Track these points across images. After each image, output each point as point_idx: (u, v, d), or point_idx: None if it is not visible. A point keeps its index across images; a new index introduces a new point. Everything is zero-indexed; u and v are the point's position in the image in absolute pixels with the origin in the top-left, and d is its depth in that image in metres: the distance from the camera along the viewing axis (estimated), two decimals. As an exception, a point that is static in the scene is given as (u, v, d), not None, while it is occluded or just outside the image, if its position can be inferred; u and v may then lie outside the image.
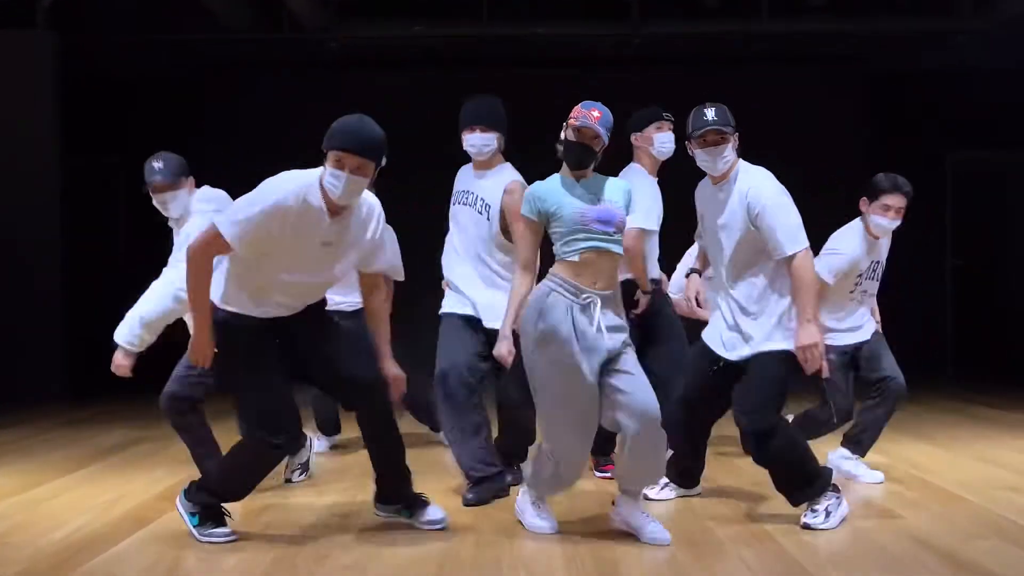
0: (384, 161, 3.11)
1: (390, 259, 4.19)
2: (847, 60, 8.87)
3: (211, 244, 3.05)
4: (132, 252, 8.48)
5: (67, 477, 4.49)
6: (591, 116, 3.23)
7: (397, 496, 3.42)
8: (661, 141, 4.10)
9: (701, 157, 3.49)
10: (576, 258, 3.19)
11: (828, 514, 3.38)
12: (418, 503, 3.42)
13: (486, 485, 3.81)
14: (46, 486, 4.29)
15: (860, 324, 4.25)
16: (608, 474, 4.10)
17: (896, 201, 4.10)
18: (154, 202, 3.78)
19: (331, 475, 4.44)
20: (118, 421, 6.29)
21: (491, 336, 3.65)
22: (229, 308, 3.16)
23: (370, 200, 3.23)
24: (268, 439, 3.15)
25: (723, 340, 3.54)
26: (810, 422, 4.30)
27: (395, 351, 3.39)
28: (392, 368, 3.34)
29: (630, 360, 3.25)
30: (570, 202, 3.22)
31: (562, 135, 3.28)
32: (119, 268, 8.39)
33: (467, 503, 3.76)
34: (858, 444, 4.24)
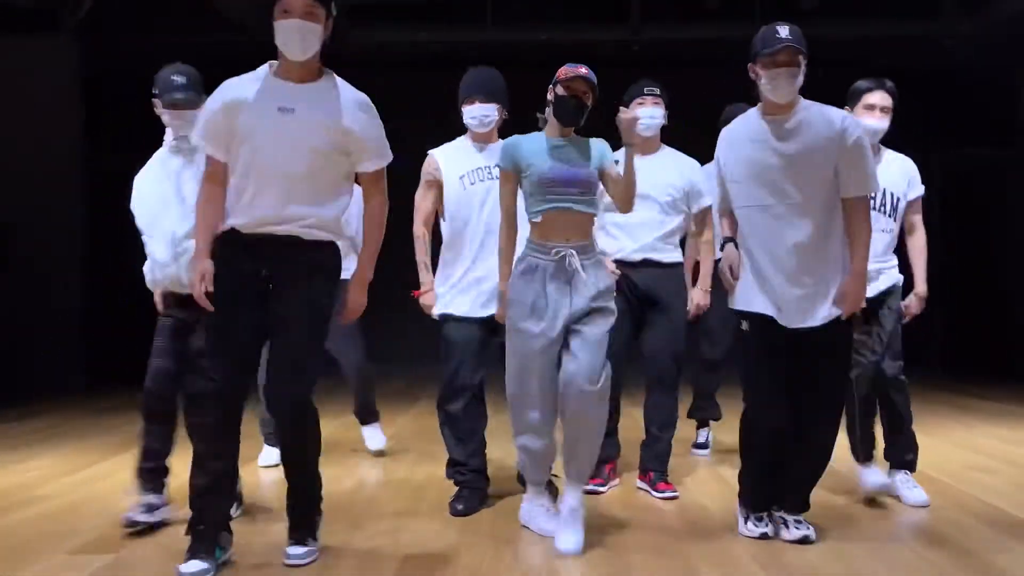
0: (334, 9, 2.91)
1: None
2: (837, 62, 9.21)
3: (210, 173, 2.97)
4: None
5: (110, 460, 4.85)
6: (579, 71, 3.26)
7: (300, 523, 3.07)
8: (642, 116, 3.83)
9: (772, 79, 3.11)
10: (539, 219, 3.22)
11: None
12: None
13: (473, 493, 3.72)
14: (95, 467, 4.66)
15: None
16: (593, 487, 3.89)
17: (880, 99, 3.76)
18: (168, 119, 3.47)
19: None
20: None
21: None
22: (226, 225, 2.95)
23: (356, 92, 3.01)
24: (209, 373, 2.90)
25: (796, 308, 3.13)
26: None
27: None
28: (356, 294, 3.07)
29: (591, 325, 3.17)
30: (541, 161, 3.24)
31: (549, 96, 3.29)
32: (134, 264, 8.72)
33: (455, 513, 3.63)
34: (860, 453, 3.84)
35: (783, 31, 3.10)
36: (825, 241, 3.15)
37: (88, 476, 4.46)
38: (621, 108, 3.39)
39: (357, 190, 3.22)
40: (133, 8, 8.00)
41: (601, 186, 3.36)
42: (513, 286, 3.26)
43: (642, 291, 3.96)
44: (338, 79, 3.00)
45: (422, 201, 3.86)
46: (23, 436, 5.59)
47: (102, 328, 8.28)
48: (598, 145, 3.35)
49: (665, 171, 4.01)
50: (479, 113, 3.78)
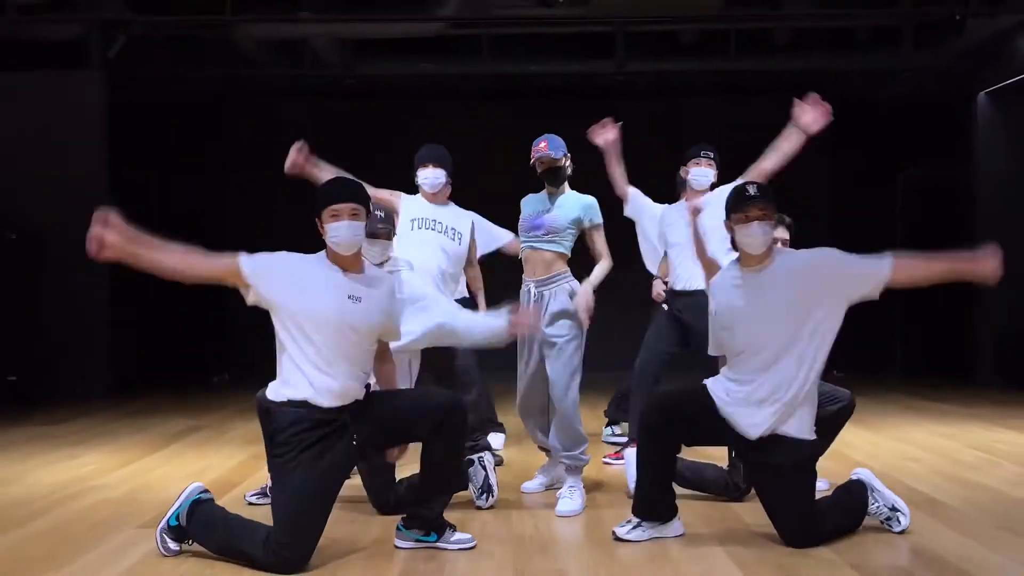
0: (372, 209, 3.45)
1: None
2: (808, 90, 9.90)
3: (224, 261, 3.19)
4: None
5: (153, 456, 5.47)
6: (540, 149, 4.17)
7: (430, 520, 3.43)
8: (696, 175, 4.86)
9: (750, 233, 3.34)
10: (521, 256, 4.26)
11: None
12: (446, 527, 3.47)
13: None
14: (141, 462, 5.29)
15: None
16: (611, 460, 4.94)
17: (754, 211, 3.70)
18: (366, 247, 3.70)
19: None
20: (171, 412, 7.23)
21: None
22: (287, 395, 3.22)
23: (383, 273, 3.54)
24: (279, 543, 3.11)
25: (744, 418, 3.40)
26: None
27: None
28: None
29: (554, 349, 4.07)
30: (524, 212, 4.25)
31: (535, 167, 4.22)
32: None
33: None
34: None
35: (752, 189, 3.42)
36: (804, 377, 3.36)
37: (137, 469, 5.08)
38: (681, 170, 4.79)
39: None
40: (157, 43, 8.67)
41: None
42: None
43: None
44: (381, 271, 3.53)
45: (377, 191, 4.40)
46: (66, 437, 6.16)
47: (127, 335, 8.91)
48: (583, 203, 4.21)
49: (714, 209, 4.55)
50: (431, 176, 4.59)
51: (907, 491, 4.31)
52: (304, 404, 3.21)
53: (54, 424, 6.71)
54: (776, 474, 3.41)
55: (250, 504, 4.12)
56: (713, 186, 4.86)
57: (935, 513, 3.93)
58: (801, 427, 3.42)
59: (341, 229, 3.20)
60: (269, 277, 3.21)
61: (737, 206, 3.40)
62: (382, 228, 4.03)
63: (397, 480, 3.96)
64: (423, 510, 3.43)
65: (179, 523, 3.34)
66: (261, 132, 9.96)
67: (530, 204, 4.28)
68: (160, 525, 3.38)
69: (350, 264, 3.29)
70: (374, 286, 3.32)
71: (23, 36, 8.26)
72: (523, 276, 4.27)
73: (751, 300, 3.39)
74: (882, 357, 9.83)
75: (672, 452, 3.54)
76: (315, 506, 3.18)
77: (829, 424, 3.97)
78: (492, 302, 5.53)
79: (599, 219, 4.23)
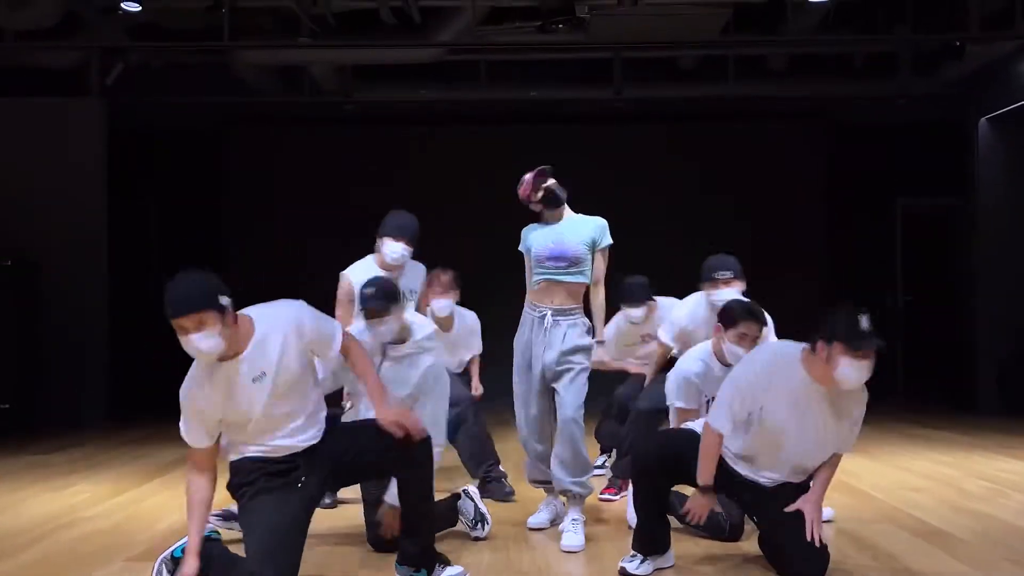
0: (223, 301, 2.98)
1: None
2: (806, 116, 9.94)
3: (195, 451, 3.24)
4: (162, 286, 9.44)
5: (145, 485, 5.42)
6: (523, 193, 4.13)
7: (415, 555, 3.35)
8: (720, 297, 4.31)
9: (858, 368, 3.16)
10: (536, 287, 4.15)
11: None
12: (440, 561, 3.40)
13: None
14: (132, 492, 5.23)
15: None
16: (608, 496, 4.78)
17: (753, 330, 3.91)
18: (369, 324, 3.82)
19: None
20: (165, 442, 7.09)
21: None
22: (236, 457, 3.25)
23: (262, 328, 3.11)
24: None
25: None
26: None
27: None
28: (390, 413, 3.22)
29: (569, 375, 4.00)
30: (538, 243, 4.15)
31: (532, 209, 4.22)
32: (152, 298, 9.33)
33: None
34: None
35: (866, 323, 3.15)
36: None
37: (130, 499, 5.03)
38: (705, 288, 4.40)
39: None
40: (155, 72, 8.68)
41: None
42: (519, 331, 4.15)
43: None
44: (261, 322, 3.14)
45: (345, 317, 4.32)
46: (60, 465, 6.11)
47: (125, 363, 8.85)
48: (596, 224, 4.17)
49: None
50: (400, 250, 4.45)
51: (914, 522, 4.26)
52: (258, 458, 3.21)
53: (48, 453, 6.65)
54: (783, 502, 3.39)
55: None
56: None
57: (944, 545, 3.86)
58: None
59: (189, 345, 3.02)
60: (196, 420, 3.20)
61: (853, 340, 3.14)
62: (375, 304, 3.78)
63: None
64: (408, 545, 3.36)
65: (183, 556, 3.26)
66: (260, 160, 9.97)
67: (540, 235, 4.17)
68: (163, 555, 3.32)
69: (228, 354, 3.06)
70: (262, 349, 3.09)
71: (23, 63, 8.25)
72: (532, 301, 4.16)
73: (811, 417, 3.30)
74: (882, 386, 9.73)
75: (667, 488, 3.56)
76: (280, 538, 3.10)
77: None
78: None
79: (609, 241, 4.18)
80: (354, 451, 3.22)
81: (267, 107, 9.53)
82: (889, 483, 5.22)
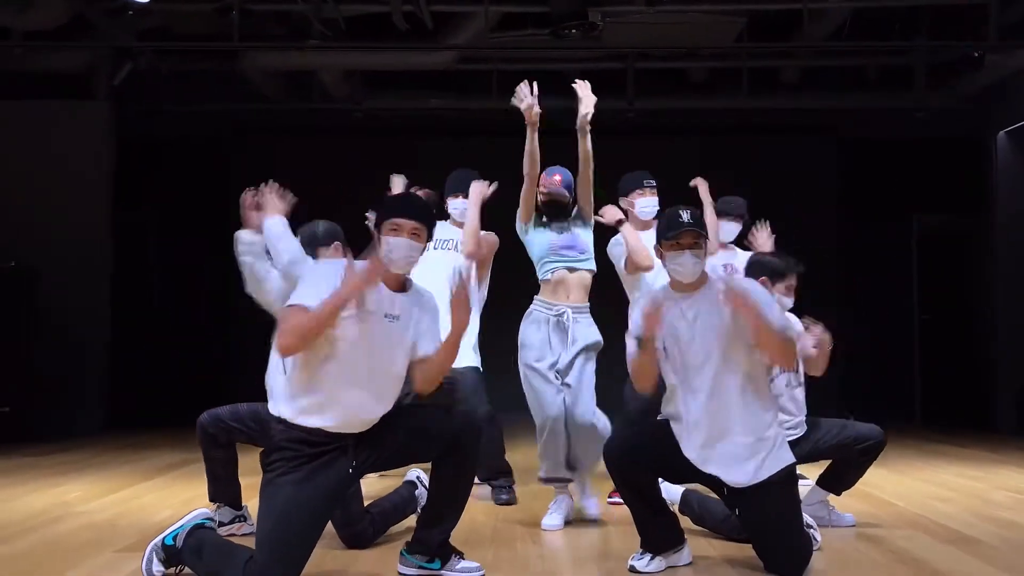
0: (434, 232, 3.23)
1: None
2: (821, 130, 9.81)
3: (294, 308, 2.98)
4: (163, 293, 9.39)
5: (142, 484, 5.27)
6: (554, 183, 4.17)
7: (434, 545, 3.23)
8: (642, 205, 4.53)
9: (682, 263, 3.24)
10: (549, 277, 4.09)
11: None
12: (455, 553, 3.28)
13: None
14: (129, 490, 5.09)
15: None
16: (617, 500, 4.51)
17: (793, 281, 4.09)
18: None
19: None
20: (163, 446, 7.02)
21: None
22: (288, 417, 3.03)
23: (420, 296, 3.18)
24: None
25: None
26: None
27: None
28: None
29: (576, 370, 4.01)
30: (550, 237, 4.14)
31: (538, 198, 4.21)
32: (153, 305, 9.28)
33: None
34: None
35: (685, 215, 3.27)
36: (740, 401, 3.24)
37: (122, 497, 4.88)
38: (621, 201, 4.49)
39: None
40: (164, 76, 8.61)
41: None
42: (525, 328, 4.13)
43: None
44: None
45: None
46: (55, 467, 5.98)
47: (125, 370, 8.73)
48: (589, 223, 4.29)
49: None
50: (461, 206, 4.71)
51: (940, 529, 4.08)
52: (306, 428, 3.01)
53: (44, 455, 6.52)
54: (765, 492, 3.23)
55: None
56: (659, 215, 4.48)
57: (971, 550, 3.68)
58: (779, 460, 3.26)
59: (397, 245, 3.05)
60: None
61: (669, 233, 3.26)
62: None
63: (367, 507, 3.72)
64: (430, 533, 3.22)
65: (175, 544, 3.13)
66: (268, 167, 9.86)
67: (549, 231, 4.21)
68: (155, 540, 3.16)
69: (392, 281, 3.11)
70: (415, 304, 3.14)
71: (30, 66, 8.19)
72: (546, 299, 4.14)
73: (684, 322, 3.27)
74: (900, 405, 9.54)
75: (650, 481, 3.38)
76: (300, 529, 2.93)
77: (856, 462, 4.01)
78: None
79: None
80: (405, 434, 3.14)
81: (275, 115, 9.46)
82: (913, 493, 5.02)
